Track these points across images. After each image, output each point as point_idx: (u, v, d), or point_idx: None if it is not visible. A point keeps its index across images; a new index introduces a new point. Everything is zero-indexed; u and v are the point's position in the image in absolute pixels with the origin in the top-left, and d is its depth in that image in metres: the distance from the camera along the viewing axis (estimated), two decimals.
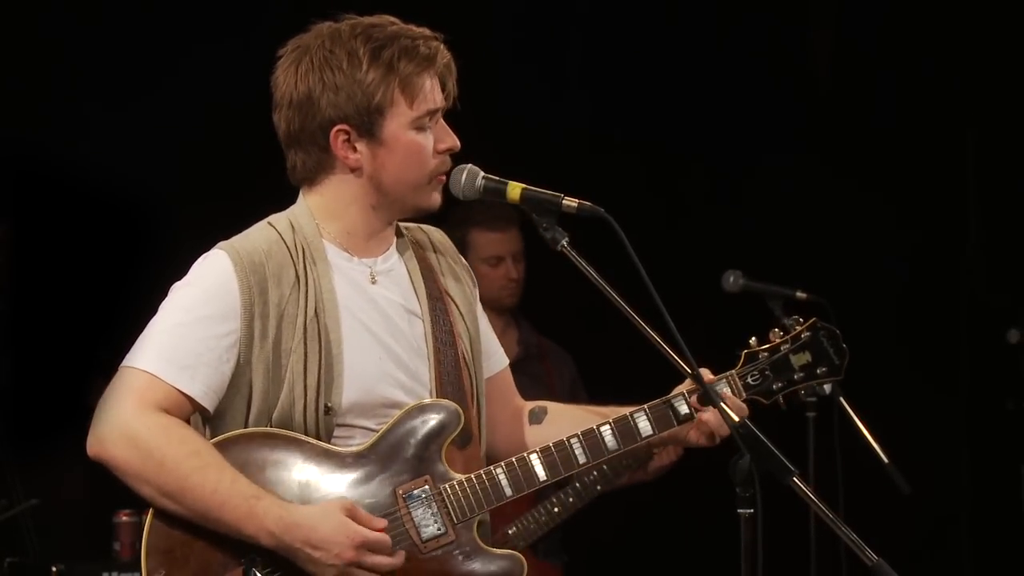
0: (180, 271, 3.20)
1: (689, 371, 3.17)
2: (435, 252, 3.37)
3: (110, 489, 5.42)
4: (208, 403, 3.11)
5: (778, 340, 3.44)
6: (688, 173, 6.39)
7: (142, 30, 5.79)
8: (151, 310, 3.16)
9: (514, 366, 5.48)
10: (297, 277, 3.15)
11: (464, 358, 3.32)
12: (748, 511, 3.00)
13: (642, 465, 5.42)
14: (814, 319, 3.48)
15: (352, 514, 3.07)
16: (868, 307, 6.12)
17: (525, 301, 5.70)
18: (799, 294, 5.05)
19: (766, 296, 5.04)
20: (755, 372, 3.40)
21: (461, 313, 3.35)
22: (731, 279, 5.07)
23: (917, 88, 6.36)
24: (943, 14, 6.24)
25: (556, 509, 5.33)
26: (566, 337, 5.83)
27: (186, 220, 5.52)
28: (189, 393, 3.08)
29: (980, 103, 6.38)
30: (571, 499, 5.34)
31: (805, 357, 3.44)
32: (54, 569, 5.03)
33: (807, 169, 6.37)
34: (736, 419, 3.08)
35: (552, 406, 3.52)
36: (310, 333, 3.13)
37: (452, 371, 3.29)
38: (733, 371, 3.39)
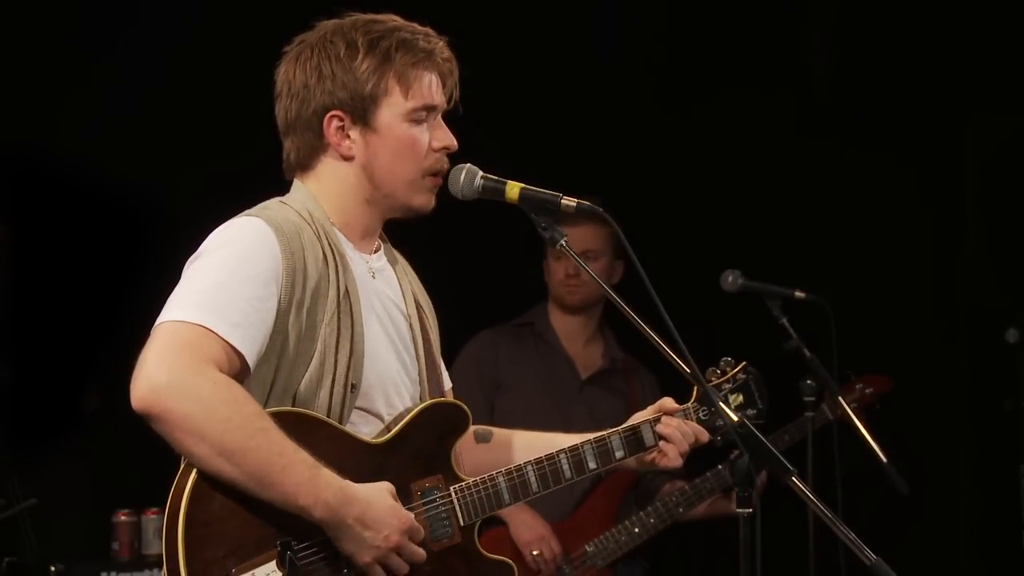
0: (179, 271, 3.19)
1: (688, 371, 3.18)
2: (403, 270, 3.40)
3: (109, 489, 5.44)
4: (252, 364, 3.01)
5: (717, 379, 3.58)
6: (687, 172, 6.39)
7: (139, 29, 5.79)
8: (150, 310, 3.12)
9: (597, 378, 5.61)
10: (325, 255, 3.13)
11: (438, 365, 3.38)
12: (747, 510, 3.01)
13: (728, 493, 5.38)
14: (744, 362, 3.60)
15: (398, 501, 3.07)
16: (867, 307, 6.13)
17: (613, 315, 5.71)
18: (798, 294, 5.05)
19: (765, 296, 5.04)
20: (704, 409, 3.50)
21: (431, 325, 3.39)
22: (730, 279, 5.06)
23: (915, 87, 6.36)
24: (941, 13, 6.25)
25: (636, 529, 5.31)
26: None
27: (185, 220, 5.52)
28: (242, 350, 2.97)
29: (978, 102, 6.39)
30: (652, 520, 5.31)
31: (739, 398, 3.58)
32: (53, 568, 5.03)
33: (806, 168, 6.37)
34: (735, 419, 3.10)
35: (497, 430, 3.55)
36: (343, 308, 3.11)
37: (433, 374, 3.33)
38: (688, 404, 3.51)
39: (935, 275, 6.48)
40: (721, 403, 3.20)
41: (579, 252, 5.48)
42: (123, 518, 5.33)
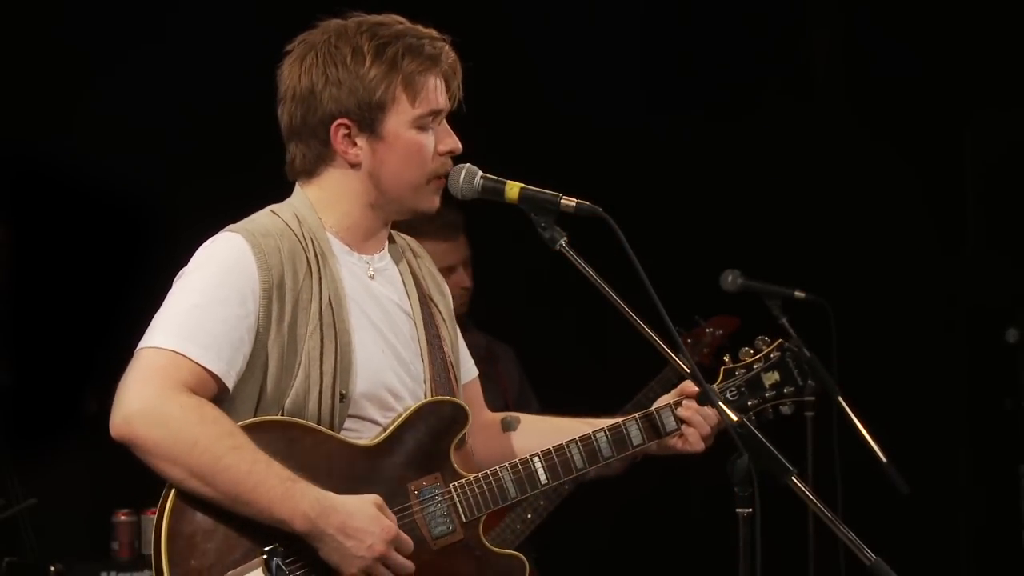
0: (179, 272, 3.19)
1: (688, 371, 3.18)
2: (417, 260, 3.39)
3: (109, 488, 5.43)
4: (231, 383, 3.05)
5: (749, 359, 3.54)
6: (687, 172, 6.39)
7: (137, 27, 5.79)
8: (150, 311, 3.13)
9: None
10: (309, 265, 3.14)
11: (449, 361, 3.34)
12: (747, 510, 3.00)
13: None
14: (780, 340, 3.58)
15: (383, 511, 3.07)
16: (867, 307, 6.13)
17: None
18: (798, 294, 5.05)
19: (765, 296, 5.03)
20: (732, 388, 3.50)
21: (444, 319, 3.37)
22: (730, 278, 5.06)
23: (915, 87, 6.36)
24: (941, 13, 6.25)
25: (529, 515, 5.28)
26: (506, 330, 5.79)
27: (185, 220, 5.52)
28: (215, 371, 3.02)
29: (978, 102, 6.39)
30: (542, 502, 5.29)
31: (774, 376, 3.56)
32: (52, 568, 5.03)
33: (806, 168, 6.37)
34: (735, 418, 3.10)
35: (524, 417, 3.54)
36: (325, 320, 3.12)
37: (442, 372, 3.31)
38: (714, 385, 3.47)
39: (935, 275, 6.48)
40: (721, 402, 3.18)
41: (442, 268, 5.38)
42: (123, 518, 5.32)
